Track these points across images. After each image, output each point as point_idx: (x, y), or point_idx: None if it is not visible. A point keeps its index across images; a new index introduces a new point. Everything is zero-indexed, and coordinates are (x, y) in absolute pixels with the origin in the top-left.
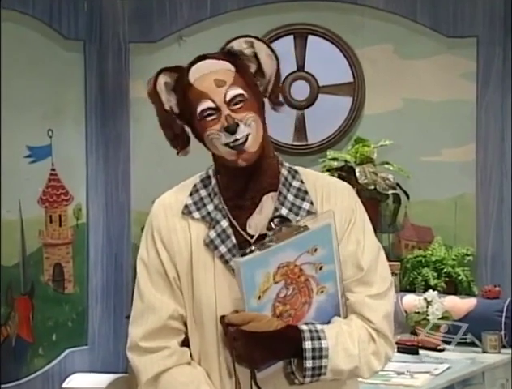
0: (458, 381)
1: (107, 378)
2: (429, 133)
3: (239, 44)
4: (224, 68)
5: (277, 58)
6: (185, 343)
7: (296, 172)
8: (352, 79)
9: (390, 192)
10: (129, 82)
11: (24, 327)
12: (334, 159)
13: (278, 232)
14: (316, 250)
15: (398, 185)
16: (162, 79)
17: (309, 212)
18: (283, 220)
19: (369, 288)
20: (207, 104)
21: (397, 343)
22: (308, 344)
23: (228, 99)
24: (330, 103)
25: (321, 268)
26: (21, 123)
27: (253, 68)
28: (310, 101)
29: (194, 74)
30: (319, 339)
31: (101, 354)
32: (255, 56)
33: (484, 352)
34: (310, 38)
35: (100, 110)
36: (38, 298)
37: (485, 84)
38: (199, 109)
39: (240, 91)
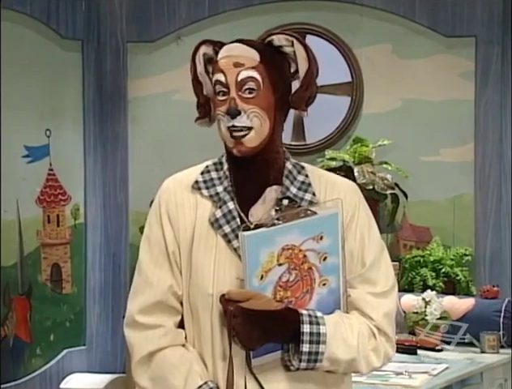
0: (456, 381)
1: (105, 378)
2: (428, 133)
3: (279, 40)
4: (249, 56)
5: (310, 65)
6: (181, 325)
7: (303, 167)
8: (350, 79)
9: (389, 192)
10: (127, 81)
11: (22, 328)
12: (332, 159)
13: (285, 213)
14: (322, 237)
15: (396, 185)
16: (202, 50)
17: (310, 203)
18: (292, 202)
19: (371, 285)
20: (219, 77)
21: (396, 343)
22: (306, 328)
23: (240, 78)
24: (328, 103)
25: (325, 259)
26: (19, 123)
27: (293, 67)
28: None
29: (221, 53)
30: (318, 324)
31: (99, 354)
32: (295, 55)
33: (483, 352)
34: (309, 38)
35: (97, 110)
36: (36, 298)
37: (484, 84)
38: (213, 80)
39: (254, 74)
